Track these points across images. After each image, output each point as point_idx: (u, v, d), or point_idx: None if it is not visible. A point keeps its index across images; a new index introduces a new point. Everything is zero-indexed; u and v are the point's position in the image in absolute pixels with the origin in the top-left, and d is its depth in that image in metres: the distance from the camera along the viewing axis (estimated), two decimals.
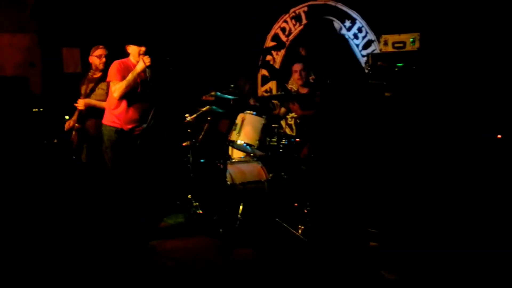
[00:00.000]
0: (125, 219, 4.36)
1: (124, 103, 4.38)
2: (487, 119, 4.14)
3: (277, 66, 6.37)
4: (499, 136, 4.05)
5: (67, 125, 4.96)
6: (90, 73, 4.97)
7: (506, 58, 4.18)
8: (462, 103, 4.29)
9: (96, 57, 4.85)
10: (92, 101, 4.75)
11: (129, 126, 4.43)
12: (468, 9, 4.43)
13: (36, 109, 5.38)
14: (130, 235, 4.32)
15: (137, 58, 4.43)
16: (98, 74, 4.86)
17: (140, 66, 4.34)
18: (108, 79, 4.41)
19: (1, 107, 5.24)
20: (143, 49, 4.45)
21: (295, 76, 4.98)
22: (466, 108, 4.27)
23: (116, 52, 4.77)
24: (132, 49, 4.51)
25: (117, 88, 4.28)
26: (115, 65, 4.41)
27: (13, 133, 5.20)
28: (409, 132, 4.17)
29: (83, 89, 4.90)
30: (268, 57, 6.45)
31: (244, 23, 6.62)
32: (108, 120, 4.43)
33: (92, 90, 4.83)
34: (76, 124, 4.88)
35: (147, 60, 4.34)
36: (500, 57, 4.21)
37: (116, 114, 4.39)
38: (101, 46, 4.89)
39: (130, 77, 4.30)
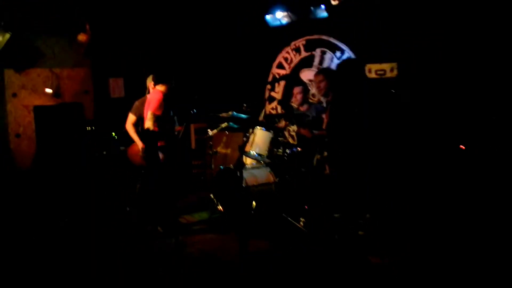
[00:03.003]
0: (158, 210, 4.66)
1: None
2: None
3: (281, 89, 6.72)
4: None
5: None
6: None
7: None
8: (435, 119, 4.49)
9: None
10: None
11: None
12: (443, 41, 4.68)
13: (89, 127, 5.79)
14: (164, 227, 4.64)
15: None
16: None
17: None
18: (152, 111, 4.66)
19: (62, 126, 5.80)
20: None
21: (294, 97, 5.42)
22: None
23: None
24: (160, 87, 4.83)
25: (151, 123, 4.65)
26: (160, 99, 4.69)
27: (71, 148, 5.64)
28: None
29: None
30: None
31: (255, 53, 7.02)
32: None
33: None
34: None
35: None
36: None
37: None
38: None
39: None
